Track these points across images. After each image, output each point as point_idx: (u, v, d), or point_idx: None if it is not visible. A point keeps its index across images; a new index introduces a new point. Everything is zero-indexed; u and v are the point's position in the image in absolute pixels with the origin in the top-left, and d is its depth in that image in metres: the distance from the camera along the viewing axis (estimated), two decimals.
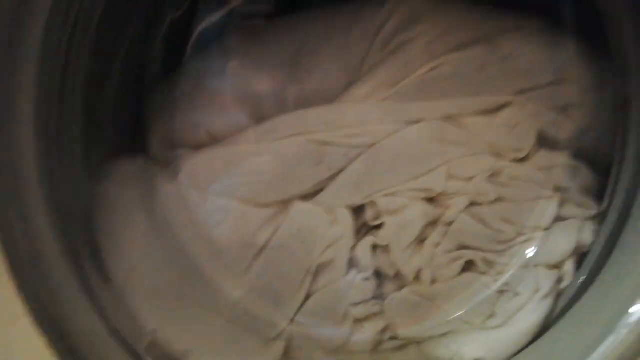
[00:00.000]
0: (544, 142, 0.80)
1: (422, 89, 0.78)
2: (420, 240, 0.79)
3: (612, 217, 0.78)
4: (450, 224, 0.78)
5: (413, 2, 0.80)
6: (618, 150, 0.79)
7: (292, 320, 0.78)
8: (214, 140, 0.81)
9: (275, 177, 0.78)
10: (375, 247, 0.79)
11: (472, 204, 0.78)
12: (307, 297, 0.78)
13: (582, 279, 0.77)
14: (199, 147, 0.81)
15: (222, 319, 0.76)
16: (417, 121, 0.78)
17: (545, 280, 0.77)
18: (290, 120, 0.79)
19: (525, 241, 0.78)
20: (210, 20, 0.83)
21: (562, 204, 0.79)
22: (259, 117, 0.80)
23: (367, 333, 0.78)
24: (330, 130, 0.77)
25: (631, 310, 0.65)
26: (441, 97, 0.78)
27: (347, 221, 0.78)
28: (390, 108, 0.78)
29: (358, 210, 0.80)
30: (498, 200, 0.78)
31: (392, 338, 0.79)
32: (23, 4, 0.57)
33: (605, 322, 0.67)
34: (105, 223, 0.76)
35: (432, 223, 0.79)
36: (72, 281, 0.65)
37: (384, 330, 0.79)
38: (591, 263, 0.78)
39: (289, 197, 0.78)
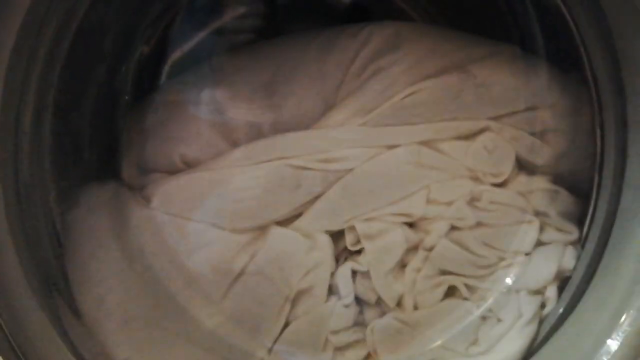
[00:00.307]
0: (522, 166, 0.80)
1: (398, 115, 0.78)
2: (401, 265, 0.78)
3: (592, 242, 0.78)
4: (431, 249, 0.77)
5: (388, 31, 0.80)
6: (596, 175, 0.79)
7: (270, 350, 0.75)
8: (189, 165, 0.80)
9: (252, 201, 0.76)
10: (355, 273, 0.78)
11: (453, 228, 0.77)
12: (286, 324, 0.76)
13: (564, 304, 0.77)
14: (173, 172, 0.79)
15: (198, 348, 0.73)
16: (395, 146, 0.77)
17: (528, 305, 0.76)
18: (267, 145, 0.78)
19: (507, 266, 0.78)
20: (182, 49, 0.85)
21: (542, 228, 0.79)
22: (235, 142, 0.80)
23: None
24: (308, 154, 0.77)
25: (611, 336, 0.66)
26: (418, 122, 0.78)
27: (326, 246, 0.76)
28: (368, 133, 0.77)
29: (337, 236, 0.78)
30: (478, 224, 0.77)
31: None
32: None
33: (587, 349, 0.67)
34: (74, 251, 0.74)
35: (413, 248, 0.78)
36: (40, 311, 0.63)
37: (366, 358, 0.77)
38: (573, 288, 0.77)
39: (267, 222, 0.76)
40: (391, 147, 0.77)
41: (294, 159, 0.77)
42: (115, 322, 0.71)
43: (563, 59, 0.80)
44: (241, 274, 0.75)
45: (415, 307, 0.78)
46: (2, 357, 0.56)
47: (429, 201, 0.77)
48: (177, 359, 0.72)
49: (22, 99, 0.64)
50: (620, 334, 0.65)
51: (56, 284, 0.70)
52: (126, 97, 0.82)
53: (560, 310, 0.77)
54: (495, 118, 0.78)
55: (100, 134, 0.82)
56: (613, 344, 0.65)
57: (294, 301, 0.76)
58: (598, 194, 0.79)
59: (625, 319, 0.66)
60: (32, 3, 0.58)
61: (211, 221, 0.76)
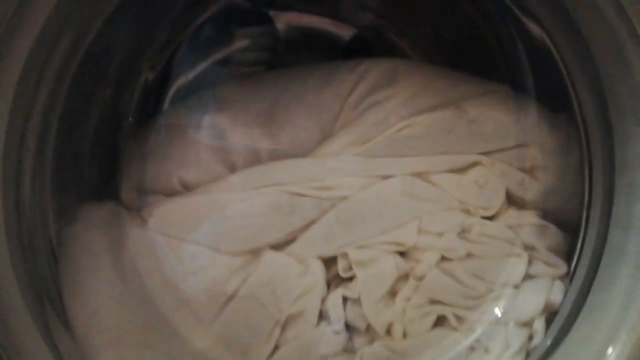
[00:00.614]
0: (512, 201, 0.82)
1: (392, 146, 0.80)
2: (392, 293, 0.79)
3: (579, 277, 0.79)
4: (421, 278, 0.78)
5: (384, 66, 0.83)
6: (584, 212, 0.81)
7: None
8: (187, 188, 0.81)
9: (247, 226, 0.77)
10: (346, 300, 0.78)
11: (443, 259, 0.79)
12: (276, 349, 0.76)
13: (551, 337, 0.78)
14: (171, 194, 0.81)
15: None
16: (389, 176, 0.79)
17: (516, 337, 0.77)
18: (264, 171, 0.80)
19: (496, 298, 0.79)
20: (185, 77, 0.87)
21: (531, 262, 0.80)
22: (233, 167, 0.81)
23: None
24: (303, 182, 0.78)
25: None
26: (412, 154, 0.80)
27: (319, 272, 0.77)
28: (363, 163, 0.80)
29: (330, 262, 0.79)
30: (468, 256, 0.79)
31: None
32: None
33: None
34: (69, 267, 0.74)
35: (404, 277, 0.79)
36: (32, 325, 0.63)
37: None
38: (561, 321, 0.78)
39: (261, 246, 0.78)
40: (385, 177, 0.79)
41: (289, 186, 0.78)
42: (105, 338, 0.71)
43: (553, 99, 0.83)
44: (233, 296, 0.76)
45: (405, 335, 0.78)
46: None
47: (420, 231, 0.79)
48: None
49: (29, 117, 0.66)
50: None
51: (50, 299, 0.71)
52: (129, 119, 0.84)
53: (548, 343, 0.77)
54: (487, 153, 0.81)
55: (102, 154, 0.84)
56: None
57: (284, 325, 0.76)
58: (586, 230, 0.80)
59: (611, 353, 0.66)
60: (44, 26, 0.60)
61: (206, 244, 0.77)
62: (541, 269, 0.80)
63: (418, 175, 0.80)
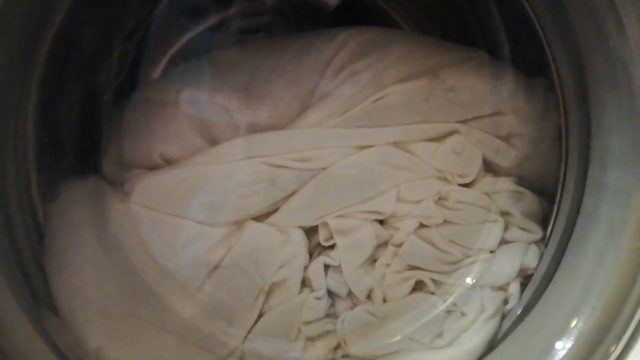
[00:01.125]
0: (489, 168, 0.84)
1: (370, 117, 0.80)
2: (372, 260, 0.81)
3: (554, 242, 0.82)
4: (400, 245, 0.80)
5: (363, 36, 0.83)
6: (560, 177, 0.83)
7: (244, 339, 0.78)
8: (168, 162, 0.82)
9: (229, 197, 0.78)
10: (327, 267, 0.81)
11: (421, 226, 0.81)
12: (260, 316, 0.79)
13: (526, 301, 0.80)
14: (152, 168, 0.81)
15: (173, 337, 0.75)
16: (367, 146, 0.80)
17: (491, 301, 0.80)
18: (244, 143, 0.80)
19: (472, 263, 0.81)
20: (162, 50, 0.86)
21: (506, 227, 0.82)
22: (213, 141, 0.82)
23: (319, 351, 0.79)
24: (283, 153, 0.79)
25: (565, 334, 0.69)
26: (389, 124, 0.81)
27: (300, 241, 0.79)
28: (341, 133, 0.80)
29: (311, 231, 0.81)
30: (445, 223, 0.81)
31: (344, 356, 0.80)
32: None
33: (542, 346, 0.70)
34: (52, 242, 0.76)
35: (383, 244, 0.81)
36: (14, 303, 0.64)
37: (336, 348, 0.80)
38: (535, 285, 0.81)
39: (243, 217, 0.79)
40: (363, 147, 0.80)
41: (270, 157, 0.79)
42: (90, 311, 0.73)
43: (530, 65, 0.84)
44: (217, 266, 0.78)
45: (384, 300, 0.81)
46: None
47: (398, 200, 0.80)
48: (152, 348, 0.74)
49: (4, 95, 0.66)
50: (574, 332, 0.68)
51: (32, 276, 0.72)
52: (105, 96, 0.83)
53: (522, 307, 0.80)
54: (464, 121, 0.81)
55: (82, 130, 0.83)
56: (567, 343, 0.68)
57: (268, 293, 0.79)
58: (561, 196, 0.83)
59: (579, 318, 0.68)
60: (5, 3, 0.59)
61: (188, 216, 0.78)
62: (517, 234, 0.82)
63: (396, 144, 0.81)
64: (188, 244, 0.78)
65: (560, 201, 0.82)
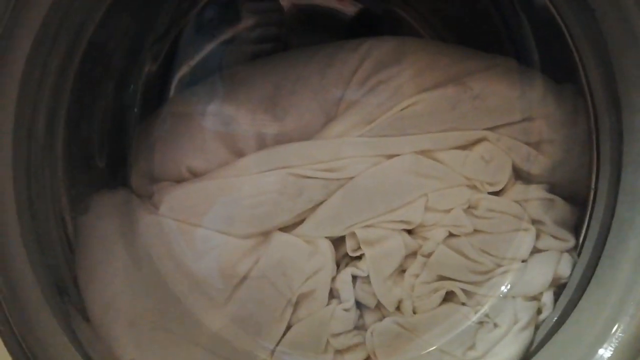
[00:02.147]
0: (519, 176, 0.82)
1: (397, 125, 0.80)
2: (401, 271, 0.80)
3: (588, 249, 0.79)
4: (429, 255, 0.79)
5: (387, 45, 0.83)
6: (592, 184, 0.81)
7: (272, 352, 0.77)
8: (195, 175, 0.82)
9: (256, 209, 0.78)
10: (355, 278, 0.80)
11: (451, 235, 0.80)
12: (288, 327, 0.78)
13: (560, 310, 0.78)
14: (180, 181, 0.82)
15: (202, 350, 0.75)
16: (394, 155, 0.80)
17: (524, 311, 0.78)
18: (270, 154, 0.80)
19: (504, 272, 0.80)
20: (189, 64, 0.87)
21: (538, 236, 0.81)
22: (239, 153, 0.82)
23: None
24: (309, 164, 0.79)
25: (604, 344, 0.67)
26: (416, 133, 0.80)
27: (327, 252, 0.79)
28: (368, 143, 0.80)
29: (338, 242, 0.81)
30: (476, 232, 0.79)
31: None
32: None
33: (580, 356, 0.69)
34: (83, 256, 0.76)
35: (412, 254, 0.80)
36: (50, 313, 0.65)
37: None
38: (569, 295, 0.79)
39: (270, 228, 0.79)
40: (390, 156, 0.80)
41: (296, 168, 0.79)
42: (121, 324, 0.73)
43: (559, 71, 0.82)
44: (245, 278, 0.77)
45: (414, 312, 0.80)
46: (13, 358, 0.58)
47: (427, 209, 0.79)
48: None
49: (36, 110, 0.67)
50: (613, 341, 0.67)
51: (66, 288, 0.73)
52: (135, 110, 0.84)
53: (556, 317, 0.78)
54: (492, 129, 0.80)
55: (111, 144, 0.85)
56: (606, 353, 0.67)
57: (296, 305, 0.78)
58: (594, 202, 0.80)
59: (618, 327, 0.67)
60: (45, 18, 0.61)
61: (216, 227, 0.78)
62: (549, 242, 0.80)
63: (423, 153, 0.80)
64: (215, 255, 0.78)
65: (593, 208, 0.80)
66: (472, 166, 0.80)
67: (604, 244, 0.76)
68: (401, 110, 0.80)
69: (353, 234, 0.79)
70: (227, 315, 0.77)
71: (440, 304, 0.80)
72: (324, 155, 0.79)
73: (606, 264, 0.75)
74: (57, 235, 0.73)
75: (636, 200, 0.71)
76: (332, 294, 0.80)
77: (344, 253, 0.81)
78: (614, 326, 0.67)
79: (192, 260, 0.78)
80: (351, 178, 0.79)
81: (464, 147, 0.81)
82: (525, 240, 0.80)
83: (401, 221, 0.79)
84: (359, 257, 0.80)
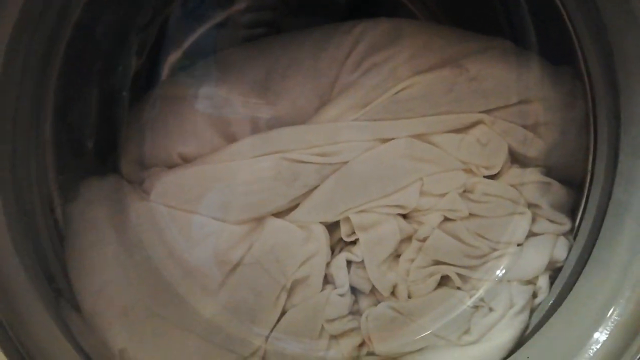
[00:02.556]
0: (515, 159, 0.81)
1: (391, 109, 0.79)
2: (395, 255, 0.80)
3: (584, 233, 0.79)
4: (424, 239, 0.79)
5: (381, 27, 0.81)
6: (588, 167, 0.80)
7: (267, 338, 0.77)
8: (186, 161, 0.81)
9: (249, 194, 0.78)
10: (350, 263, 0.79)
11: (446, 219, 0.79)
12: (282, 313, 0.78)
13: (555, 294, 0.78)
14: (171, 166, 0.81)
15: (196, 337, 0.75)
16: (389, 139, 0.79)
17: (520, 295, 0.78)
18: (263, 139, 0.79)
19: (499, 256, 0.79)
20: (180, 46, 0.85)
21: (534, 219, 0.80)
22: (231, 138, 0.81)
23: (343, 349, 0.78)
24: (303, 148, 0.78)
25: (600, 328, 0.67)
26: (411, 116, 0.79)
27: (322, 237, 0.78)
28: (362, 127, 0.79)
29: (333, 227, 0.80)
30: (471, 216, 0.79)
31: (369, 354, 0.79)
32: None
33: (576, 339, 0.69)
34: (74, 242, 0.75)
35: (407, 239, 0.79)
36: (39, 304, 0.65)
37: (361, 346, 0.79)
38: (565, 278, 0.79)
39: (264, 214, 0.78)
40: (385, 140, 0.79)
41: (290, 153, 0.78)
42: (113, 312, 0.73)
43: (557, 53, 0.81)
44: (238, 264, 0.77)
45: (409, 296, 0.79)
46: (3, 350, 0.57)
47: (422, 193, 0.78)
48: (175, 348, 0.74)
49: (21, 95, 0.65)
50: (609, 324, 0.67)
51: (55, 277, 0.72)
52: (124, 93, 0.82)
53: (552, 301, 0.78)
54: (488, 111, 0.79)
55: (100, 129, 0.83)
56: (602, 336, 0.67)
57: (290, 290, 0.77)
58: (590, 186, 0.80)
59: (614, 310, 0.67)
60: (26, 2, 0.59)
61: (209, 213, 0.77)
62: (545, 226, 0.80)
63: (419, 136, 0.79)
64: (208, 241, 0.77)
65: (589, 191, 0.80)
66: (467, 150, 0.79)
67: (600, 227, 0.76)
68: (396, 93, 0.78)
69: (347, 219, 0.79)
70: (221, 301, 0.76)
71: (435, 288, 0.79)
72: (318, 139, 0.78)
73: (602, 248, 0.75)
74: (45, 223, 0.72)
75: (632, 183, 0.70)
76: (327, 280, 0.79)
77: (338, 238, 0.80)
78: (610, 309, 0.67)
79: (184, 246, 0.77)
80: (345, 162, 0.78)
81: (459, 131, 0.80)
82: (521, 224, 0.79)
83: (396, 205, 0.78)
84: (354, 242, 0.80)
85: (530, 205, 0.80)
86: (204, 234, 0.77)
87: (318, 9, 0.96)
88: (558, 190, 0.81)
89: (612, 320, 0.67)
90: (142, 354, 0.72)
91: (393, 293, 0.80)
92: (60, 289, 0.71)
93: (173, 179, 0.79)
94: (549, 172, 0.82)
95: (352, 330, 0.78)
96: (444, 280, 0.80)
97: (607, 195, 0.75)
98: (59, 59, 0.70)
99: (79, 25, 0.69)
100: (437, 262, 0.79)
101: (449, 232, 0.78)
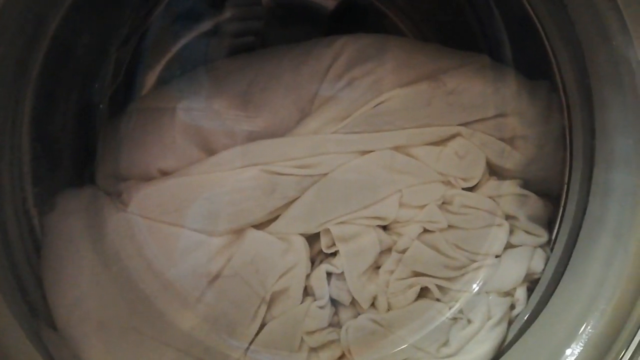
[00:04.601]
0: (493, 171, 0.83)
1: (371, 122, 0.79)
2: (375, 267, 0.80)
3: (560, 245, 0.80)
4: (403, 251, 0.79)
5: (361, 42, 0.82)
6: (565, 180, 0.81)
7: (246, 351, 0.76)
8: (165, 174, 0.80)
9: (228, 206, 0.77)
10: (330, 275, 0.79)
11: (425, 231, 0.79)
12: (262, 326, 0.77)
13: (533, 305, 0.79)
14: (149, 179, 0.80)
15: (173, 350, 0.74)
16: (368, 152, 0.79)
17: (497, 307, 0.78)
18: (243, 151, 0.79)
19: (477, 268, 0.80)
20: (158, 61, 0.85)
21: (512, 231, 0.81)
22: (210, 151, 0.80)
23: None
24: (282, 161, 0.78)
25: (575, 338, 0.68)
26: (390, 129, 0.79)
27: (302, 249, 0.78)
28: (341, 139, 0.79)
29: (313, 238, 0.80)
30: (450, 227, 0.79)
31: None
32: None
33: (553, 350, 0.70)
34: (48, 255, 0.74)
35: (386, 250, 0.80)
36: (11, 317, 0.63)
37: (340, 358, 0.78)
38: (542, 290, 0.79)
39: (243, 225, 0.78)
40: (365, 152, 0.79)
41: (269, 165, 0.78)
42: (89, 326, 0.72)
43: (534, 67, 0.82)
44: (217, 276, 0.76)
45: (389, 308, 0.79)
46: None
47: (401, 205, 0.79)
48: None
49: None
50: (583, 337, 0.67)
51: (29, 291, 0.71)
52: (101, 106, 0.82)
53: (529, 313, 0.79)
54: (466, 124, 0.80)
55: (78, 141, 0.82)
56: (576, 349, 0.67)
57: (270, 303, 0.77)
58: (567, 198, 0.81)
59: (589, 322, 0.67)
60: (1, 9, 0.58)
61: (188, 225, 0.77)
62: (522, 238, 0.81)
63: (398, 149, 0.79)
64: (187, 253, 0.76)
65: (565, 204, 0.81)
66: (446, 162, 0.80)
67: (576, 240, 0.77)
68: (375, 106, 0.79)
69: (327, 231, 0.79)
70: (199, 314, 0.75)
71: (415, 299, 0.79)
72: (298, 152, 0.78)
73: (578, 260, 0.76)
74: (19, 236, 0.71)
75: (607, 197, 0.71)
76: (307, 292, 0.79)
77: (318, 250, 0.80)
78: (583, 323, 0.68)
79: (162, 259, 0.76)
80: (325, 174, 0.78)
81: (438, 143, 0.81)
82: (499, 236, 0.80)
83: (375, 217, 0.79)
84: (334, 254, 0.80)
85: (508, 217, 0.81)
86: (182, 246, 0.77)
87: (303, 20, 0.97)
88: (535, 203, 0.82)
89: (587, 333, 0.67)
90: None
91: (373, 304, 0.80)
92: (34, 302, 0.70)
93: (151, 191, 0.78)
94: (526, 184, 0.83)
95: (331, 342, 0.78)
96: (424, 292, 0.80)
97: (583, 208, 0.76)
98: (37, 69, 0.68)
99: (58, 36, 0.68)
100: (417, 274, 0.79)
101: (428, 244, 0.79)
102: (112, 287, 0.74)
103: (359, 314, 0.80)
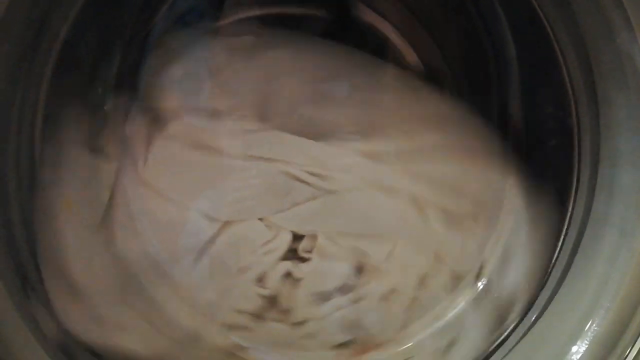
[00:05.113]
0: None
1: (404, 157, 0.79)
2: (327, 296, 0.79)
3: (567, 243, 0.78)
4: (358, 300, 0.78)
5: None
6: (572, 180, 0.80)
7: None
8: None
9: (240, 200, 0.77)
10: (288, 276, 0.79)
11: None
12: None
13: (538, 303, 0.78)
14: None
15: (152, 328, 0.73)
16: (390, 190, 0.78)
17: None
18: (273, 141, 0.78)
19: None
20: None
21: None
22: (212, 150, 0.78)
23: None
24: (304, 164, 0.78)
25: (580, 338, 0.68)
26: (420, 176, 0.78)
27: (284, 243, 0.78)
28: (366, 165, 0.78)
29: (297, 238, 0.79)
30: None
31: None
32: None
33: (557, 349, 0.69)
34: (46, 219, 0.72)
35: (347, 288, 0.79)
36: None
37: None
38: (547, 288, 0.77)
39: (245, 218, 0.78)
40: (382, 187, 0.78)
41: (290, 166, 0.78)
42: (75, 291, 0.70)
43: (541, 66, 0.82)
44: (202, 256, 0.76)
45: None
46: None
47: (389, 254, 0.78)
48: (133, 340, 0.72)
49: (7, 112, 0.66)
50: (589, 334, 0.67)
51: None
52: (105, 107, 0.82)
53: (535, 310, 0.77)
54: None
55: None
56: (581, 347, 0.67)
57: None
58: (576, 196, 0.80)
59: (594, 320, 0.68)
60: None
61: (191, 205, 0.77)
62: None
63: (416, 201, 0.79)
64: (176, 231, 0.76)
65: (574, 204, 0.80)
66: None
67: (581, 239, 0.75)
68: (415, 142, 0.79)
69: (314, 237, 0.78)
70: (180, 293, 0.75)
71: None
72: (321, 158, 0.78)
73: (582, 259, 0.74)
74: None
75: (612, 196, 0.71)
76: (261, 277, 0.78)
77: (294, 247, 0.79)
78: (588, 321, 0.68)
79: (152, 231, 0.75)
80: (337, 191, 0.78)
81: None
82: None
83: (362, 251, 0.78)
84: (304, 259, 0.79)
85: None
86: (177, 224, 0.76)
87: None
88: None
89: (592, 331, 0.67)
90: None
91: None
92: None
93: (170, 161, 0.77)
94: None
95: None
96: None
97: (588, 207, 0.75)
98: (47, 73, 0.70)
99: (67, 40, 0.70)
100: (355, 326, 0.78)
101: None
102: (102, 253, 0.73)
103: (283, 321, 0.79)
